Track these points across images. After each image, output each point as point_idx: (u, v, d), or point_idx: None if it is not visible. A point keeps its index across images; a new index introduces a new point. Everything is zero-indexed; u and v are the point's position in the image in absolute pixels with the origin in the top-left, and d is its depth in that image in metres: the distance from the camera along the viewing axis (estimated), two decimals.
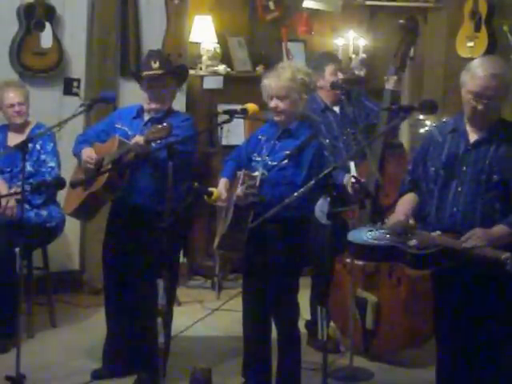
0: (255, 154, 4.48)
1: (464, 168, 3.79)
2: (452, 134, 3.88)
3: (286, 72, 4.36)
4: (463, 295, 3.83)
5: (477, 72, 3.72)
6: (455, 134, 3.87)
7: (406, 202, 4.01)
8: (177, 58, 6.41)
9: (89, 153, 4.71)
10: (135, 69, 5.98)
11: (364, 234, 4.06)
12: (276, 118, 4.43)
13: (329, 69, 5.30)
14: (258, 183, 4.22)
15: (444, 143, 3.88)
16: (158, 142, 4.35)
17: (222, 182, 4.51)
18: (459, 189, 3.79)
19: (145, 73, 4.71)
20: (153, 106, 4.69)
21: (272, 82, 4.38)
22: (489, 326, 3.80)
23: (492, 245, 3.65)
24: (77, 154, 4.81)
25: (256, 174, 4.31)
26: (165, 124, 4.30)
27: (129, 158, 4.54)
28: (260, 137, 4.54)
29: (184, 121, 4.71)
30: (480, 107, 3.72)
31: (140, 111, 4.76)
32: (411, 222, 3.89)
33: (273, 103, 4.39)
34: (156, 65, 4.67)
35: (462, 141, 3.83)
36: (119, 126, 4.75)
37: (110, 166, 4.55)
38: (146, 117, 4.74)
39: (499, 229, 3.70)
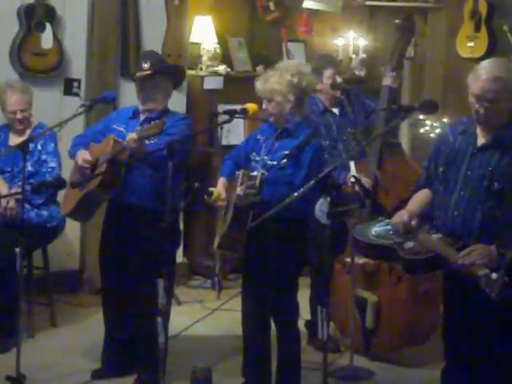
0: (254, 154, 4.50)
1: (469, 172, 3.72)
2: (463, 134, 3.80)
3: (273, 75, 4.41)
4: (473, 300, 3.72)
5: (480, 74, 3.65)
6: (465, 135, 3.79)
7: (417, 200, 3.95)
8: (177, 59, 6.42)
9: (83, 156, 4.71)
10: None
11: (370, 230, 4.06)
12: (269, 120, 4.47)
13: (327, 73, 5.30)
14: (257, 183, 4.22)
15: (454, 143, 3.81)
16: (152, 138, 4.37)
17: (221, 182, 4.53)
18: (462, 193, 3.72)
19: (136, 74, 4.73)
20: (145, 106, 4.71)
21: (259, 85, 4.45)
22: (498, 333, 3.74)
23: (493, 264, 3.54)
24: (72, 155, 4.83)
25: (255, 173, 4.32)
26: (157, 121, 4.32)
27: (123, 157, 4.55)
28: (259, 136, 4.56)
29: (180, 120, 4.72)
30: (481, 111, 3.64)
31: (136, 112, 4.77)
32: (414, 222, 3.86)
33: (263, 105, 4.45)
34: (147, 65, 4.69)
35: (470, 143, 3.76)
36: (116, 127, 4.76)
37: (104, 165, 4.56)
38: (142, 117, 4.75)
39: None
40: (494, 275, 3.47)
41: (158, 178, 4.53)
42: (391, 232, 3.90)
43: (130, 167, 4.60)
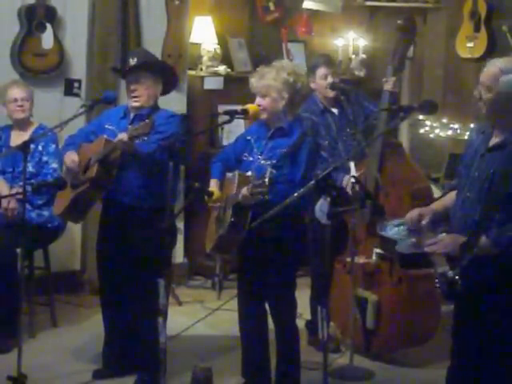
0: (245, 155, 4.50)
1: (476, 173, 3.70)
2: (482, 135, 3.78)
3: (270, 72, 4.44)
4: (484, 300, 3.67)
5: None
6: (484, 135, 3.77)
7: (443, 200, 3.96)
8: (177, 59, 6.43)
9: (72, 157, 4.72)
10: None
11: (391, 225, 4.09)
12: (261, 116, 4.47)
13: (319, 72, 5.31)
14: (267, 181, 4.20)
15: (475, 143, 3.79)
16: (142, 137, 4.37)
17: (214, 183, 4.52)
18: (468, 194, 3.70)
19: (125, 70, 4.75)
20: (132, 104, 4.70)
21: (254, 81, 4.47)
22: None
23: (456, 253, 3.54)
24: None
25: (249, 173, 4.33)
26: (147, 120, 4.34)
27: (114, 156, 4.56)
28: (248, 137, 4.56)
29: (170, 118, 4.71)
30: (481, 103, 3.65)
31: (126, 111, 4.77)
32: (426, 220, 3.86)
33: (256, 100, 4.46)
34: (133, 62, 4.69)
35: (484, 144, 3.74)
36: (108, 127, 4.77)
37: (96, 166, 4.56)
38: (132, 116, 4.75)
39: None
40: (451, 273, 3.48)
41: (151, 177, 4.55)
42: (406, 229, 3.93)
43: (122, 167, 4.61)
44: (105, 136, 4.65)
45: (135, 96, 4.67)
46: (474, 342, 3.78)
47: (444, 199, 3.99)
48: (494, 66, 3.66)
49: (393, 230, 4.06)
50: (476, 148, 3.78)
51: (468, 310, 3.76)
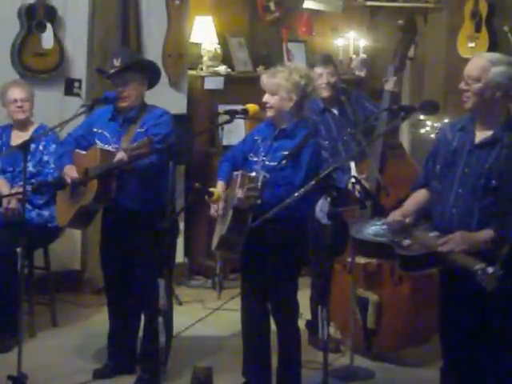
0: (251, 154, 4.50)
1: (466, 169, 3.74)
2: (461, 132, 3.83)
3: (282, 71, 4.43)
4: (469, 293, 3.74)
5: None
6: (464, 132, 3.82)
7: (413, 199, 3.99)
8: (178, 59, 6.44)
9: (71, 174, 4.70)
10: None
11: (368, 228, 4.08)
12: (268, 114, 4.47)
13: (315, 71, 5.28)
14: (259, 186, 4.21)
15: (452, 141, 3.84)
16: (143, 157, 4.36)
17: (220, 186, 4.52)
18: (460, 190, 3.74)
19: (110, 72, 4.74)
20: (120, 105, 4.69)
21: (266, 78, 4.47)
22: (493, 325, 3.76)
23: (473, 249, 3.60)
24: (60, 169, 4.85)
25: (253, 174, 4.32)
26: (145, 138, 4.34)
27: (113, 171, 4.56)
28: (256, 137, 4.56)
29: (160, 117, 4.69)
30: (467, 94, 3.71)
31: (114, 112, 4.75)
32: (408, 220, 3.88)
33: (264, 97, 4.45)
34: (117, 62, 4.68)
35: (468, 140, 3.79)
36: (97, 130, 4.75)
37: (96, 181, 4.54)
38: (121, 118, 4.72)
39: (485, 233, 3.63)
40: (490, 269, 3.49)
41: (151, 181, 4.56)
42: (387, 231, 3.93)
43: (121, 175, 4.60)
44: (99, 147, 4.64)
45: (122, 97, 4.66)
46: (466, 338, 3.81)
47: (414, 198, 4.01)
48: (481, 58, 3.75)
49: (369, 228, 4.06)
50: (456, 145, 3.81)
51: (460, 303, 3.79)
